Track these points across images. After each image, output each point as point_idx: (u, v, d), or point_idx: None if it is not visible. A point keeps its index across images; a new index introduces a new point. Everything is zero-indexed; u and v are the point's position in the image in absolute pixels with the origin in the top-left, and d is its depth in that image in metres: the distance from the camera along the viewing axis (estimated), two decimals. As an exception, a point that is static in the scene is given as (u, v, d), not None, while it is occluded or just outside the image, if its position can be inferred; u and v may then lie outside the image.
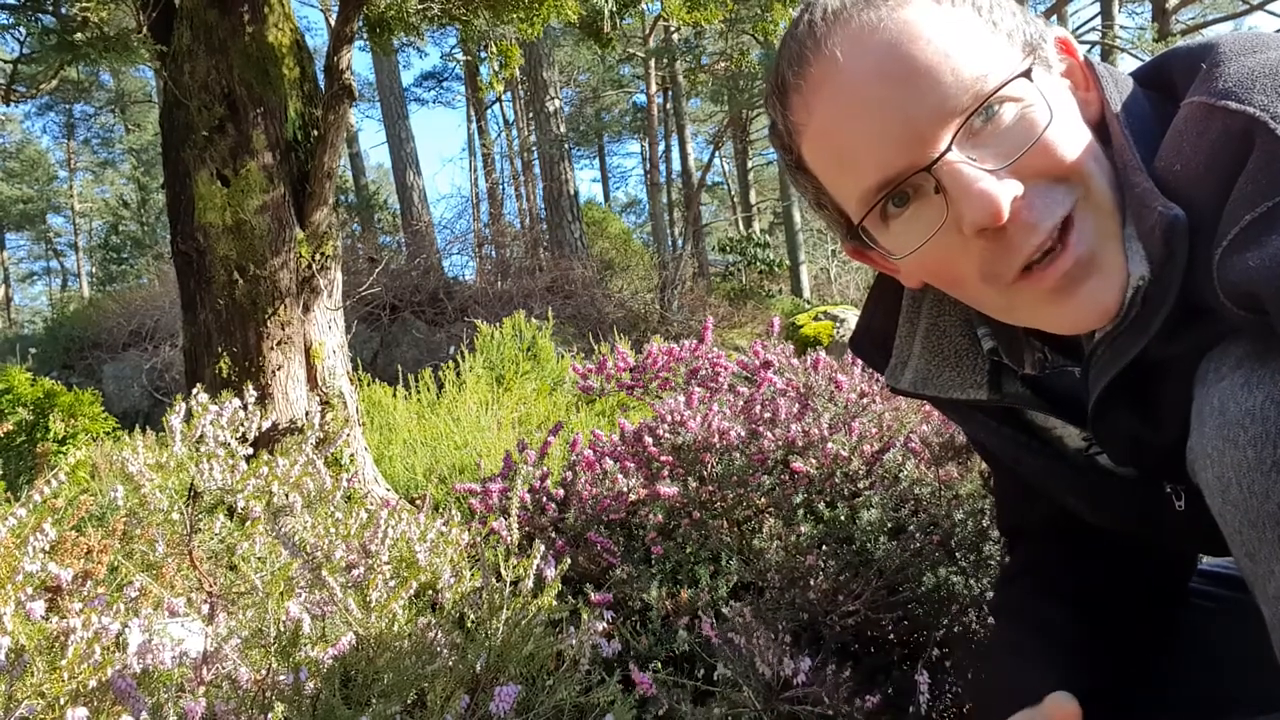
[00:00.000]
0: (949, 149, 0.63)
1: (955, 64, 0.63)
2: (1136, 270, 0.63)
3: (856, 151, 0.67)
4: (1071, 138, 0.65)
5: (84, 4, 2.74)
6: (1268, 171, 0.54)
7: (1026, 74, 0.64)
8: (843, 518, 1.56)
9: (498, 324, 5.65)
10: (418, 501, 2.64)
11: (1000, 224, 0.62)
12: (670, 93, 16.70)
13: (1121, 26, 13.30)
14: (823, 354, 1.99)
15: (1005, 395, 0.78)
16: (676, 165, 18.17)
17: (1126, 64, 13.43)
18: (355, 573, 1.26)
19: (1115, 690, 0.82)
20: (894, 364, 0.86)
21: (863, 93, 0.65)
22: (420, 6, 3.48)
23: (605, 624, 1.22)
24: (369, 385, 4.73)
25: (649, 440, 1.82)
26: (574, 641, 1.13)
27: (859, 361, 1.94)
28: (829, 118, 0.68)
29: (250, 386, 1.55)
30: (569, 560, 1.23)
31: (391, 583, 1.13)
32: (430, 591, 1.36)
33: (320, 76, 3.25)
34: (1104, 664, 0.84)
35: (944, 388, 0.81)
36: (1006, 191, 0.62)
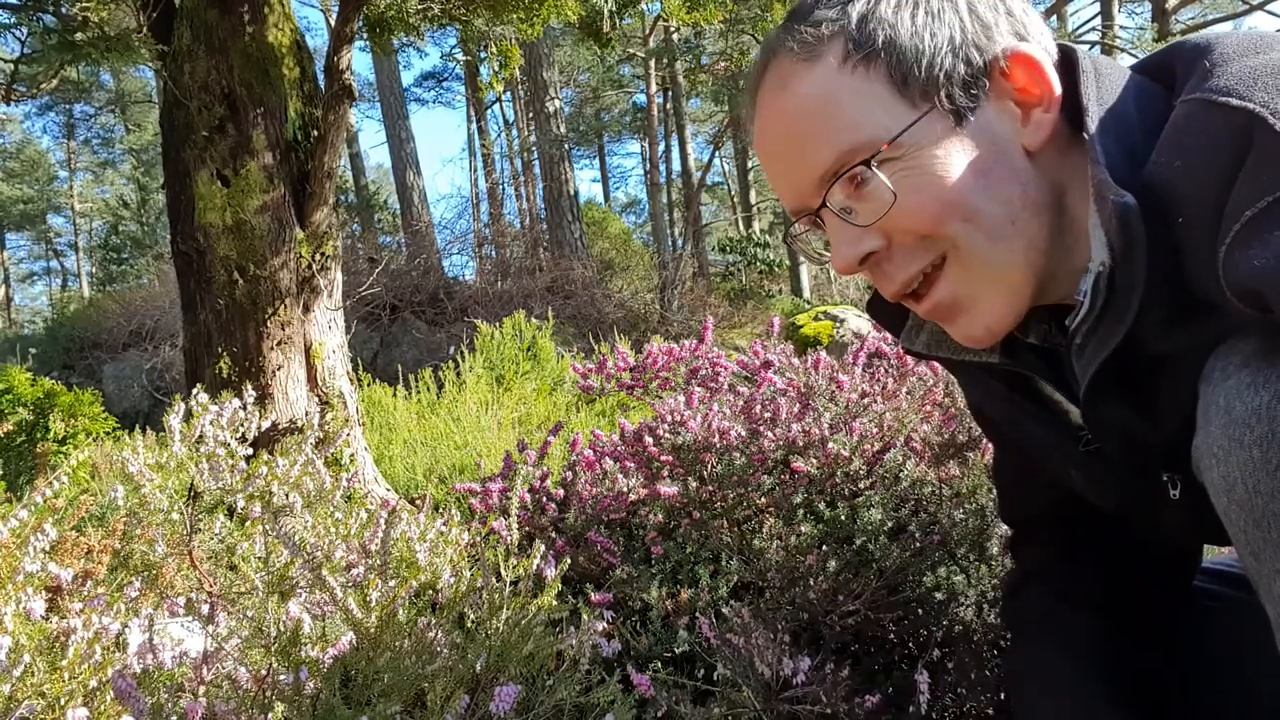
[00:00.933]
0: (823, 205, 0.74)
1: (835, 139, 0.71)
2: (1098, 257, 0.65)
3: (775, 185, 0.80)
4: (932, 203, 0.69)
5: (84, 4, 2.74)
6: (1269, 166, 0.54)
7: (867, 162, 0.69)
8: (843, 517, 1.56)
9: (498, 324, 5.65)
10: (418, 501, 2.64)
11: (858, 273, 0.76)
12: (670, 93, 16.69)
13: (1121, 26, 13.29)
14: (823, 354, 1.99)
15: (1016, 360, 0.81)
16: (676, 165, 18.18)
17: (1126, 64, 13.38)
18: (355, 572, 1.26)
19: (1135, 696, 0.83)
20: (910, 326, 0.89)
21: (768, 147, 0.78)
22: (420, 6, 3.47)
23: (605, 624, 1.22)
24: (369, 385, 4.73)
25: (649, 440, 1.83)
26: (574, 641, 1.13)
27: (859, 361, 1.94)
28: (759, 153, 0.81)
29: (250, 386, 1.55)
30: (569, 560, 1.23)
31: (391, 583, 1.13)
32: (430, 591, 1.36)
33: (320, 76, 3.25)
34: (1128, 676, 0.84)
35: (957, 349, 0.84)
36: (862, 249, 0.73)
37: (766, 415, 1.75)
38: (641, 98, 18.40)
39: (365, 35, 3.59)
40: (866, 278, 0.78)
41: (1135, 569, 0.90)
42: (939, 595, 1.41)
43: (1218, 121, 0.59)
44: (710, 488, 1.71)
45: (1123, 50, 12.34)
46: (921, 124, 0.69)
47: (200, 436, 1.33)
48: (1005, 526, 1.31)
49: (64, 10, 2.88)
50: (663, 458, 1.80)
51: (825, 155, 0.72)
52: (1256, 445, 0.56)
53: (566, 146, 13.67)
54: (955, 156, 0.69)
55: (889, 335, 1.39)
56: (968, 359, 0.83)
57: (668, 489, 1.68)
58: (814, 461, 1.68)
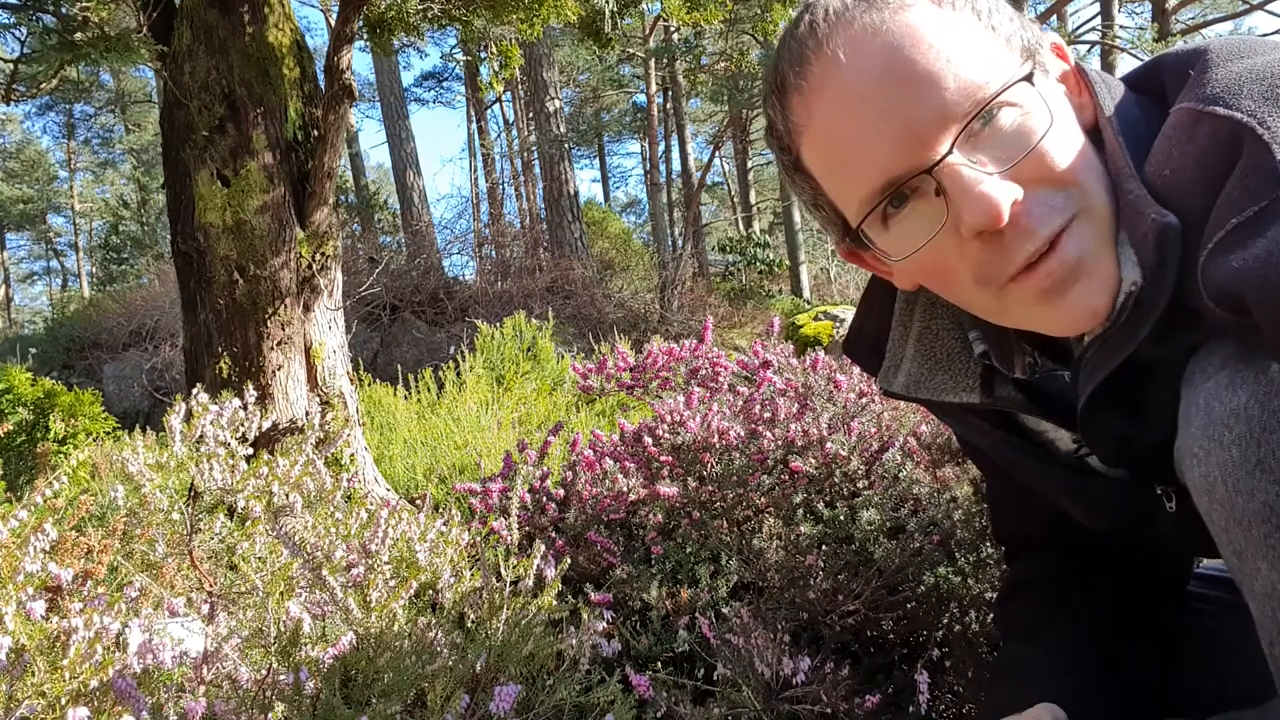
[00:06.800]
0: (950, 152, 0.63)
1: (956, 69, 0.63)
2: (1129, 276, 0.63)
3: (858, 153, 0.67)
4: (1069, 144, 0.65)
5: (84, 4, 2.74)
6: (1255, 177, 0.55)
7: (1028, 78, 0.65)
8: (842, 518, 1.57)
9: (498, 324, 5.66)
10: (418, 501, 2.64)
11: (999, 226, 0.63)
12: (670, 93, 16.69)
13: (1121, 26, 13.28)
14: (822, 354, 1.99)
15: (997, 398, 0.78)
16: (676, 165, 18.17)
17: (1126, 64, 13.41)
18: (355, 572, 1.26)
19: (1116, 699, 0.82)
20: (887, 367, 0.87)
21: (865, 95, 0.65)
22: (420, 7, 3.48)
23: (605, 624, 1.22)
24: (369, 385, 4.73)
25: (649, 440, 1.83)
26: (574, 641, 1.13)
27: (858, 361, 1.94)
28: (830, 119, 0.67)
29: (250, 386, 1.55)
30: (569, 560, 1.23)
31: (391, 583, 1.13)
32: (430, 591, 1.37)
33: (320, 76, 3.25)
34: (1107, 677, 0.84)
35: (936, 391, 0.81)
36: (1007, 195, 0.62)
37: (766, 415, 1.75)
38: (641, 98, 18.40)
39: (365, 35, 3.59)
40: (978, 254, 0.66)
41: (1127, 578, 0.90)
42: (938, 595, 1.41)
43: (1204, 131, 0.59)
44: (710, 488, 1.71)
45: (1123, 50, 12.34)
46: (1037, 71, 0.67)
47: (200, 436, 1.33)
48: None
49: (64, 10, 2.88)
50: (662, 458, 1.80)
51: (968, 84, 0.63)
52: (1235, 445, 0.56)
53: (566, 146, 13.67)
54: (1064, 106, 0.68)
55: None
56: (948, 400, 0.80)
57: (667, 489, 1.68)
58: (813, 461, 1.68)
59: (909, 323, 0.85)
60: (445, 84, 21.21)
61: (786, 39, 0.70)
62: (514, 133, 20.21)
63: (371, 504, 1.57)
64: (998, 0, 0.70)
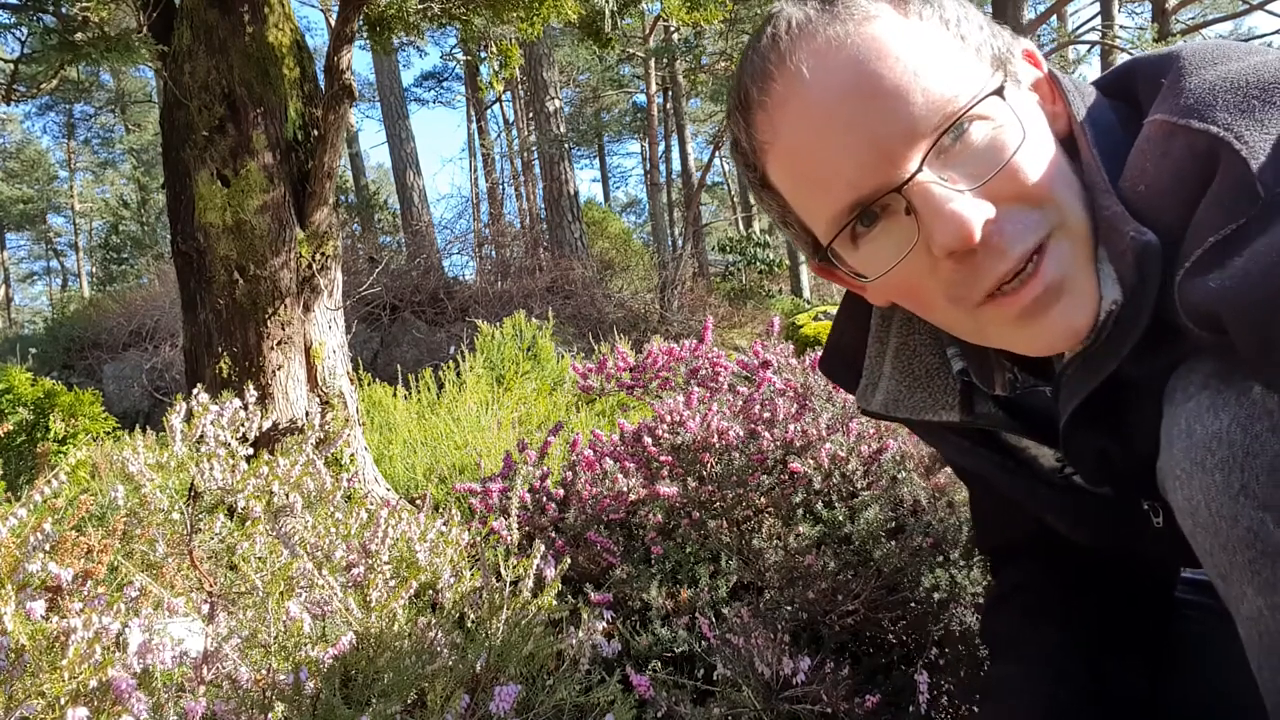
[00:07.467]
0: (920, 169, 0.61)
1: (925, 82, 0.61)
2: (1109, 294, 0.62)
3: (824, 171, 0.65)
4: (1043, 159, 0.63)
5: (85, 4, 2.74)
6: (1232, 193, 0.54)
7: (999, 91, 0.63)
8: (841, 518, 1.57)
9: (498, 324, 5.66)
10: (418, 501, 2.64)
11: (971, 246, 0.61)
12: (670, 93, 16.69)
13: (1121, 26, 13.27)
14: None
15: (977, 416, 0.77)
16: (676, 165, 18.18)
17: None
18: (355, 572, 1.26)
19: (1101, 712, 0.82)
20: (864, 385, 0.85)
21: (830, 111, 0.63)
22: (420, 6, 3.48)
23: (605, 624, 1.22)
24: (369, 385, 4.73)
25: (648, 440, 1.83)
26: (574, 641, 1.13)
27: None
28: (795, 136, 0.66)
29: (250, 386, 1.55)
30: (569, 560, 1.24)
31: (391, 583, 1.13)
32: (430, 591, 1.37)
33: (320, 76, 3.25)
34: (1091, 689, 0.83)
35: (915, 409, 0.80)
36: (979, 214, 0.61)
37: (765, 415, 1.75)
38: (641, 98, 18.40)
39: (365, 34, 3.59)
40: (949, 274, 0.64)
41: (1114, 591, 0.90)
42: (937, 595, 1.41)
43: (1180, 144, 0.58)
44: (710, 488, 1.71)
45: (1123, 50, 12.33)
46: (1008, 82, 0.65)
47: (201, 436, 1.33)
48: None
49: (64, 10, 2.88)
50: (662, 458, 1.80)
51: (937, 98, 0.61)
52: (1218, 469, 0.55)
53: (566, 146, 13.67)
54: (1037, 118, 0.66)
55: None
56: (927, 418, 0.79)
57: (667, 489, 1.68)
58: (812, 461, 1.68)
59: (885, 339, 0.83)
60: (445, 84, 21.24)
61: (749, 53, 0.68)
62: (514, 133, 20.22)
63: (371, 504, 1.57)
64: (966, 8, 0.68)
